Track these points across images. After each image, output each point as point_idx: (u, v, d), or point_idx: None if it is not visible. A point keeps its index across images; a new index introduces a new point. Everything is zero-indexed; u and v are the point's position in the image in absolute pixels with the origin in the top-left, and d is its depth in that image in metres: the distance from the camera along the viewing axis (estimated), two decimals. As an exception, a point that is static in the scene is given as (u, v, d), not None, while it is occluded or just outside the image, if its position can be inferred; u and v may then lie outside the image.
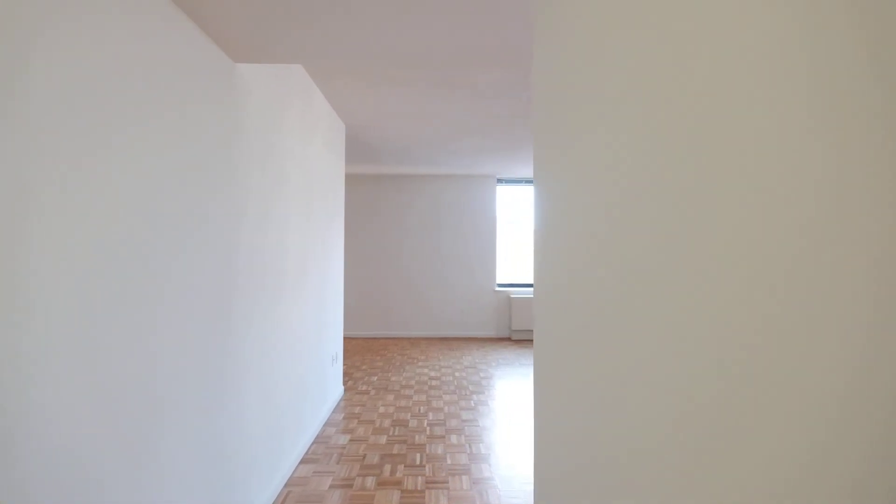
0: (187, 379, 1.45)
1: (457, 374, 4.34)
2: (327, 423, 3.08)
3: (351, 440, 2.82)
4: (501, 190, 6.45)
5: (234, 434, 1.77)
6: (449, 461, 2.53)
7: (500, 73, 2.71)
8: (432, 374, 4.33)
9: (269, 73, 2.12)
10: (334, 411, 3.31)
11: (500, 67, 1.99)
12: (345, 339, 6.07)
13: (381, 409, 3.34)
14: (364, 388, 3.87)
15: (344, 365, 4.65)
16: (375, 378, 4.17)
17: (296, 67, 2.51)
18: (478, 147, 4.59)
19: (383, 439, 2.83)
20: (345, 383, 4.00)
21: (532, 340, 6.05)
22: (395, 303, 6.20)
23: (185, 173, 1.42)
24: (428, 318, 6.21)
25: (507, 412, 3.29)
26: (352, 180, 6.22)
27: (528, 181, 6.37)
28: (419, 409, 3.34)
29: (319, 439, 2.82)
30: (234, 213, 1.76)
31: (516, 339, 6.06)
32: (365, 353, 5.24)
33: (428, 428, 3.01)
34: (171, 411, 1.35)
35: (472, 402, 3.51)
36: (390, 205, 6.24)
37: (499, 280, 6.36)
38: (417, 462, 2.52)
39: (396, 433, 2.93)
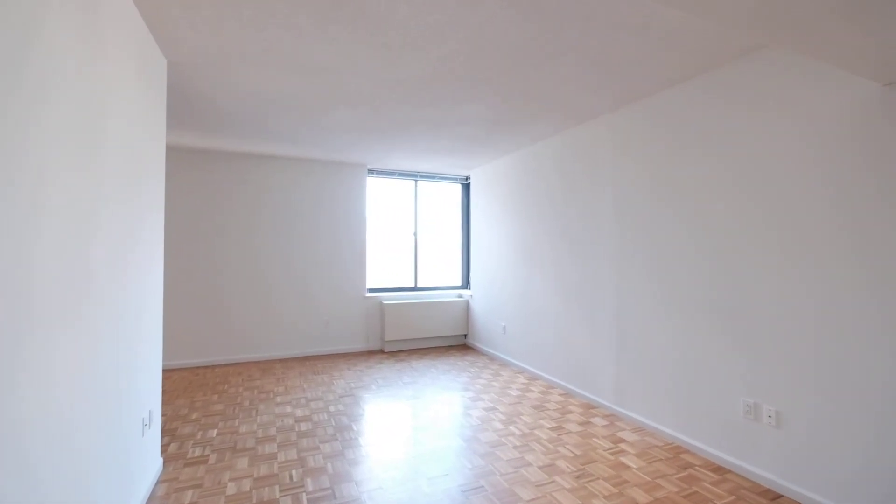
0: None
1: (331, 408, 3.43)
2: (134, 535, 1.88)
3: (182, 561, 1.73)
4: (373, 182, 5.67)
5: None
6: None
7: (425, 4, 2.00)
8: (299, 412, 3.32)
9: None
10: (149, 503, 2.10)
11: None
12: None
13: (232, 488, 2.27)
14: (198, 452, 2.66)
15: (162, 417, 3.24)
16: (215, 432, 2.96)
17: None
18: (355, 123, 3.74)
19: (240, 546, 1.82)
20: (164, 450, 2.70)
21: (408, 352, 5.47)
22: (236, 318, 4.82)
23: None
24: (282, 335, 5.02)
25: (418, 461, 2.59)
26: (175, 156, 4.59)
27: (405, 175, 5.74)
28: (290, 477, 2.38)
29: (119, 574, 1.65)
30: None
31: (390, 350, 5.37)
32: (194, 391, 3.84)
33: (309, 507, 2.11)
34: None
35: (363, 452, 2.70)
36: (231, 193, 4.83)
37: (369, 284, 5.56)
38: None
39: (260, 528, 1.95)
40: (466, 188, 6.12)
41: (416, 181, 5.84)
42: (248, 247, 4.88)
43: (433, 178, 5.89)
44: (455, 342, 5.73)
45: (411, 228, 5.81)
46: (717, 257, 2.54)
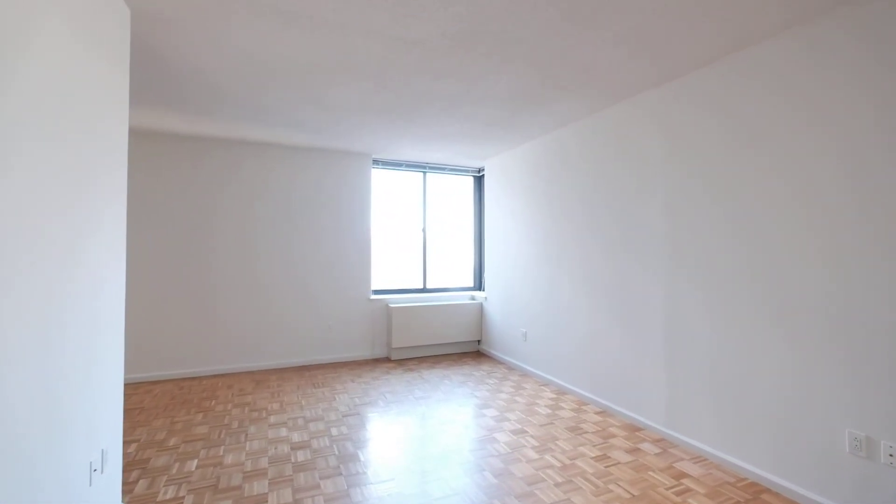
0: None
1: (334, 430, 2.95)
2: None
3: None
4: (378, 174, 5.19)
5: None
6: None
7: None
8: (295, 437, 2.84)
9: None
10: (98, 575, 1.62)
11: None
12: (141, 384, 3.95)
13: (208, 546, 1.79)
14: (171, 493, 2.18)
15: (133, 443, 2.75)
16: (195, 464, 2.48)
17: None
18: (360, 102, 3.26)
19: None
20: (129, 489, 2.22)
21: (417, 360, 4.97)
22: (228, 324, 4.35)
23: None
24: (279, 342, 4.54)
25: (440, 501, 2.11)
26: (161, 143, 4.11)
27: (413, 166, 5.26)
28: (284, 529, 1.90)
29: None
30: None
31: (398, 358, 4.88)
32: (176, 408, 3.36)
33: (306, 577, 1.62)
34: None
35: (372, 492, 2.22)
36: (223, 186, 4.35)
37: (374, 286, 5.08)
38: None
39: None
40: (479, 181, 5.64)
41: (424, 173, 5.36)
42: (241, 245, 4.40)
43: (443, 169, 5.41)
44: (468, 349, 5.24)
45: (419, 224, 5.34)
46: (821, 258, 2.06)
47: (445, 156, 4.93)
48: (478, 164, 5.38)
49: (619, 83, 2.84)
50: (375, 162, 5.09)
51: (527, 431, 2.93)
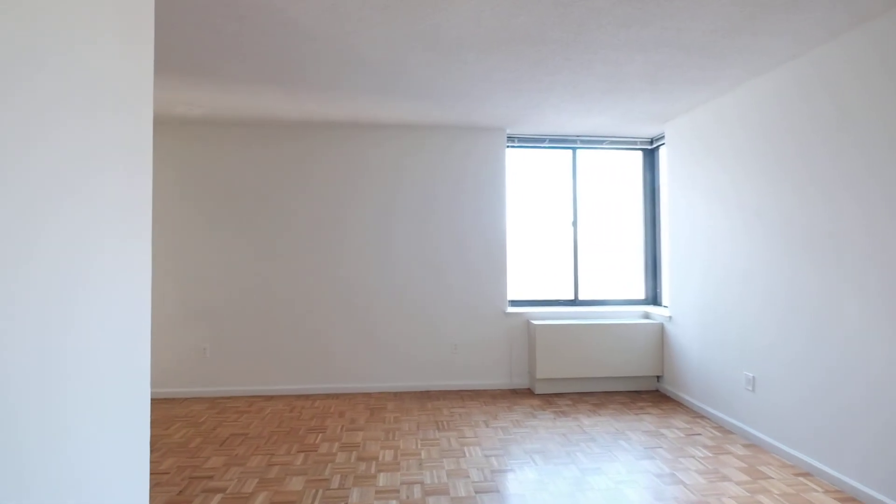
0: None
1: (462, 519, 1.95)
2: None
3: None
4: (514, 155, 4.13)
5: None
6: None
7: None
8: (407, 525, 1.92)
9: None
10: None
11: None
12: (256, 399, 3.54)
13: None
14: None
15: (216, 493, 2.14)
16: (267, 558, 1.71)
17: None
18: (493, 32, 2.22)
19: None
20: None
21: (571, 398, 3.49)
22: (340, 338, 3.74)
23: None
24: (396, 361, 3.78)
25: None
26: (247, 130, 3.72)
27: (559, 141, 4.07)
28: None
29: None
30: None
31: (543, 393, 3.72)
32: (280, 439, 2.76)
33: None
34: None
35: None
36: (319, 176, 3.78)
37: (511, 296, 4.02)
38: None
39: None
40: (651, 156, 4.16)
41: (574, 150, 4.12)
42: (345, 247, 3.78)
43: (600, 143, 4.09)
44: (643, 386, 3.80)
45: (568, 217, 4.10)
46: None
47: (606, 122, 3.62)
48: (651, 132, 3.92)
49: None
50: (510, 139, 4.04)
51: None
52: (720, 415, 3.03)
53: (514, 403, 3.47)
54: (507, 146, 4.02)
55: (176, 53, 2.42)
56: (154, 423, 3.08)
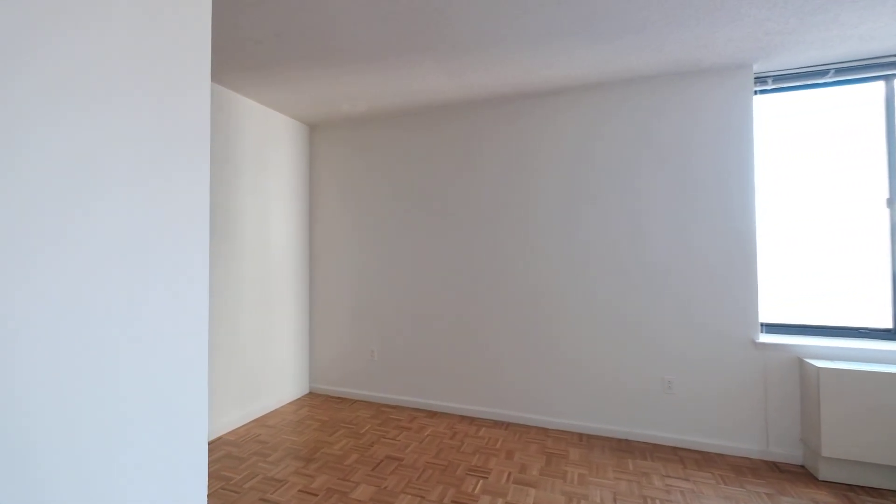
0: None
1: None
2: None
3: None
4: (768, 104, 2.74)
5: None
6: None
7: None
8: None
9: None
10: None
11: None
12: (418, 414, 3.16)
13: None
14: None
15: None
16: None
17: None
18: None
19: None
20: None
21: (881, 491, 1.72)
22: (511, 355, 3.07)
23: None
24: (580, 392, 2.90)
25: None
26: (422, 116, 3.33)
27: (857, 69, 2.52)
28: None
29: None
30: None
31: (832, 479, 2.27)
32: (435, 477, 2.25)
33: None
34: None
35: None
36: (494, 157, 3.14)
37: (765, 317, 2.66)
38: None
39: None
40: None
41: (888, 80, 2.49)
42: (523, 248, 3.06)
43: (953, 60, 2.35)
44: None
45: (878, 192, 2.50)
46: None
47: None
48: None
49: None
50: (759, 80, 2.68)
51: None
52: None
53: (782, 491, 2.17)
54: (757, 91, 2.69)
55: (334, 41, 2.15)
56: (322, 425, 3.00)
